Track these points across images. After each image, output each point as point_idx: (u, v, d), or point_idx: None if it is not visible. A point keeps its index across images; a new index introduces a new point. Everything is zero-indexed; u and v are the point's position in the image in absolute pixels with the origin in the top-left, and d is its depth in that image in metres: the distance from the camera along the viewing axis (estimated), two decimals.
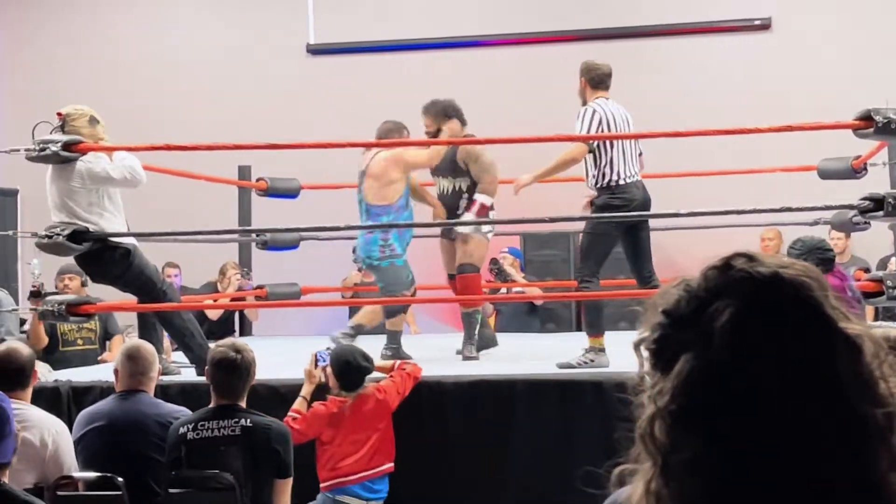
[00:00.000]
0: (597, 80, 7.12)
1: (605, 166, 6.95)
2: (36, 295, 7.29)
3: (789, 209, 7.50)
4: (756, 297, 1.21)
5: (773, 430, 1.17)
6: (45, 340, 8.73)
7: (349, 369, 5.84)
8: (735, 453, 1.17)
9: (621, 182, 6.95)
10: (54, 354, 8.73)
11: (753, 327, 1.20)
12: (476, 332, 7.75)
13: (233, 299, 9.77)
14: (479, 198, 7.70)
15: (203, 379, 6.36)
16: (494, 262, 9.95)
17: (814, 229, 8.62)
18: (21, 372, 5.13)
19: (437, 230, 8.19)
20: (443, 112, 7.70)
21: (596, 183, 7.01)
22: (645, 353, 1.26)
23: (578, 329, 10.72)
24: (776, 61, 11.49)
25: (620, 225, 7.00)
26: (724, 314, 1.20)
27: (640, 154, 7.23)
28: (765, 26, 11.67)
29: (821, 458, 1.17)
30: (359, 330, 7.67)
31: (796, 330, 1.20)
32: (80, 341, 8.79)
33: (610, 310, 10.72)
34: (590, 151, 6.93)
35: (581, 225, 7.65)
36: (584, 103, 7.10)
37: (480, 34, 12.20)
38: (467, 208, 7.73)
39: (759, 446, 1.17)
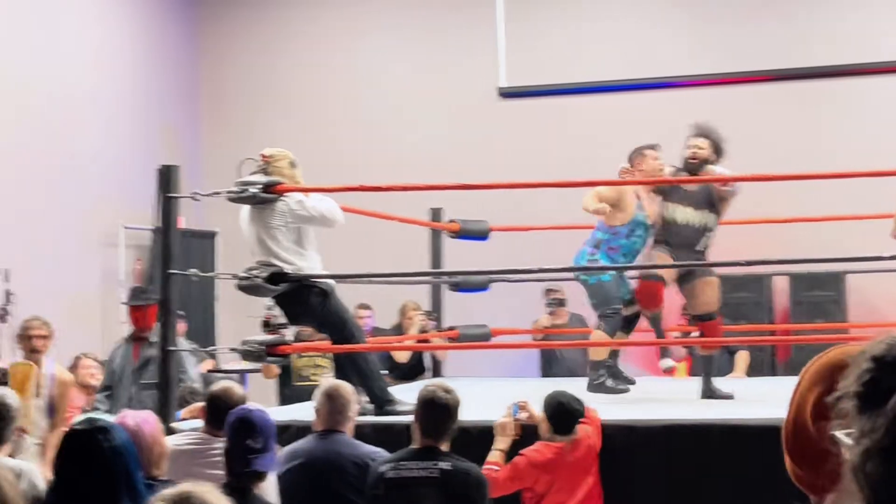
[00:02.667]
0: None
1: None
2: (266, 325, 7.49)
3: None
4: None
5: None
6: (276, 373, 9.01)
7: (563, 412, 5.77)
8: None
9: None
10: (288, 388, 8.99)
11: None
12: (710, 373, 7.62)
13: (420, 341, 9.82)
14: None
15: (395, 419, 6.43)
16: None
17: None
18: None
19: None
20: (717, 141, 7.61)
21: None
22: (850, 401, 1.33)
23: (773, 373, 10.50)
24: None
25: None
26: None
27: None
28: None
29: None
30: (598, 366, 7.58)
31: None
32: (313, 376, 9.02)
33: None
34: None
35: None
36: None
37: (673, 75, 12.10)
38: None
39: None
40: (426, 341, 9.79)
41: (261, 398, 9.13)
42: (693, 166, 7.58)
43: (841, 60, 11.56)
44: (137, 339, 8.12)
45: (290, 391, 9.02)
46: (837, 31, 11.75)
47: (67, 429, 3.72)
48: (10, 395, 5.42)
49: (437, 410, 5.06)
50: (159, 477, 4.38)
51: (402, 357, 9.93)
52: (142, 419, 4.52)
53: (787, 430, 1.80)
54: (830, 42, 11.70)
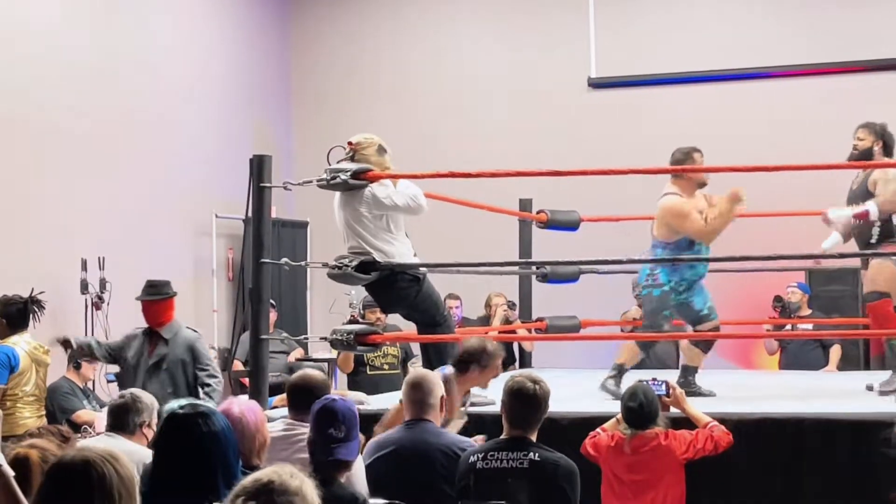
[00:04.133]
0: None
1: None
2: (354, 324, 7.56)
3: None
4: None
5: None
6: (352, 366, 9.13)
7: (624, 406, 5.78)
8: None
9: None
10: (360, 378, 9.10)
11: None
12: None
13: (507, 332, 9.82)
14: (867, 205, 7.18)
15: (481, 410, 6.43)
16: (779, 298, 9.74)
17: None
18: (314, 397, 5.30)
19: (724, 265, 8.01)
20: (879, 133, 7.41)
21: None
22: None
23: (867, 367, 10.35)
24: None
25: None
26: None
27: None
28: None
29: None
30: (620, 370, 7.54)
31: None
32: (385, 366, 9.12)
33: None
34: None
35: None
36: None
37: (762, 66, 11.97)
38: (857, 216, 7.27)
39: None
40: (513, 332, 9.79)
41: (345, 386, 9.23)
42: (853, 157, 7.42)
43: None
44: (152, 334, 7.85)
45: (361, 379, 9.16)
46: None
47: (167, 413, 3.75)
48: (144, 392, 5.68)
49: (524, 401, 5.04)
50: (259, 466, 4.41)
51: None
52: (247, 408, 4.56)
53: None
54: None
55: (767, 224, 9.43)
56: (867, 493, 5.82)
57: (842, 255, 7.28)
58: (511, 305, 9.93)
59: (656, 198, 9.98)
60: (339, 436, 4.34)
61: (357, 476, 4.98)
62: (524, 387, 5.04)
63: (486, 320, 10.18)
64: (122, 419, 5.44)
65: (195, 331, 7.95)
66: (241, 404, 4.59)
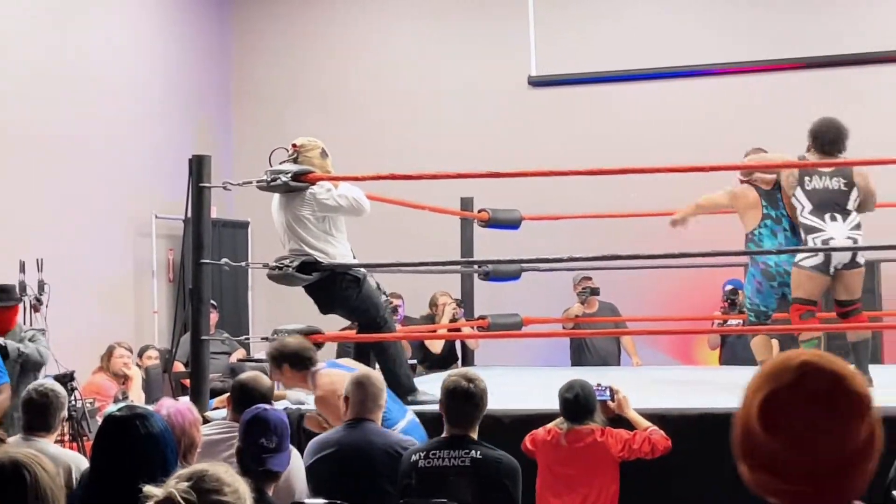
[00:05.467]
0: None
1: None
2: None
3: None
4: None
5: None
6: None
7: (560, 399, 5.79)
8: None
9: None
10: None
11: None
12: (866, 362, 7.23)
13: (452, 330, 9.82)
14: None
15: (424, 408, 6.43)
16: (734, 291, 9.71)
17: None
18: (263, 399, 5.26)
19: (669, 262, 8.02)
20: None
21: None
22: None
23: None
24: None
25: None
26: None
27: None
28: None
29: None
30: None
31: None
32: None
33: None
34: None
35: None
36: None
37: (702, 63, 12.04)
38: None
39: None
40: (457, 330, 9.79)
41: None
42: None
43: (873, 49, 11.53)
44: None
45: None
46: (867, 21, 11.69)
47: (105, 416, 3.71)
48: (57, 384, 5.53)
49: (461, 399, 5.06)
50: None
51: (437, 347, 9.91)
52: (175, 410, 4.51)
53: (736, 437, 1.80)
54: (859, 33, 11.65)
55: (709, 220, 9.48)
56: None
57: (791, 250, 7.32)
58: (459, 304, 9.92)
59: (597, 194, 10.03)
60: (271, 446, 4.30)
61: (297, 477, 4.96)
62: (460, 385, 5.06)
63: (430, 319, 10.16)
64: (47, 418, 5.25)
65: (38, 329, 7.75)
66: (171, 406, 4.54)
